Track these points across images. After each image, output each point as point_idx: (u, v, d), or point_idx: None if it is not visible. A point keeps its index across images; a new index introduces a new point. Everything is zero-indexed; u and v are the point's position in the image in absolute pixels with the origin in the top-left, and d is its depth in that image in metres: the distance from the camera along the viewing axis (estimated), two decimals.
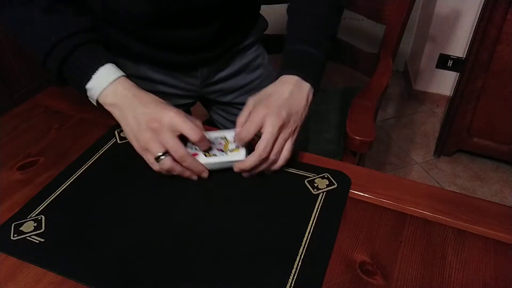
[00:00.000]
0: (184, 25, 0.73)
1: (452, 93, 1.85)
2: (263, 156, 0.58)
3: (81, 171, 0.63)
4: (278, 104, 0.60)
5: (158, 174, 0.59)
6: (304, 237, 0.53)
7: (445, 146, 1.82)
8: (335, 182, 0.61)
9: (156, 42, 0.76)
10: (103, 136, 0.69)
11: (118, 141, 0.68)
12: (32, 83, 1.98)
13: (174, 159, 0.58)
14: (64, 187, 0.60)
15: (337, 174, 0.62)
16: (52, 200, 0.58)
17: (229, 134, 0.64)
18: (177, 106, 0.86)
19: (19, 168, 0.64)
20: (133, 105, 0.60)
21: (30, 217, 0.56)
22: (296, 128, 0.62)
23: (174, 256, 0.51)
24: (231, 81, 0.89)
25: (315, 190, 0.60)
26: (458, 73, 1.92)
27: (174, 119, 0.57)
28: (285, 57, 0.67)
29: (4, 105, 1.85)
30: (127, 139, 0.68)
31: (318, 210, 0.57)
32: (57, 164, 0.65)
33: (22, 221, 0.55)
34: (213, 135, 0.64)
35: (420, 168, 1.82)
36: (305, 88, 0.64)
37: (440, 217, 0.56)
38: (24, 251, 0.51)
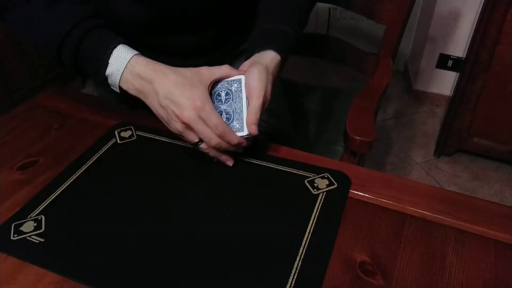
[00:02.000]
0: (182, 30, 0.73)
1: (452, 93, 1.85)
2: (263, 96, 0.61)
3: (81, 171, 0.63)
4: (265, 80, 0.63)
5: (158, 174, 0.59)
6: (304, 237, 0.53)
7: (445, 146, 1.82)
8: (335, 182, 0.61)
9: (154, 47, 0.76)
10: (103, 136, 0.69)
11: (118, 141, 0.68)
12: (32, 83, 1.98)
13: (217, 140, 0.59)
14: (64, 187, 0.60)
15: (337, 174, 0.62)
16: (52, 200, 0.58)
17: (234, 84, 0.64)
18: None
19: (19, 168, 0.64)
20: (154, 91, 0.59)
21: (30, 217, 0.56)
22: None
23: (174, 256, 0.51)
24: None
25: (315, 190, 0.60)
26: (458, 73, 1.92)
27: (198, 110, 0.57)
28: (258, 34, 0.68)
29: (4, 105, 1.85)
30: (127, 139, 0.69)
31: (318, 210, 0.57)
32: (57, 164, 0.65)
33: (22, 221, 0.55)
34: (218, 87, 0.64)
35: (420, 168, 1.82)
36: (276, 59, 0.66)
37: (440, 217, 0.56)
38: (24, 251, 0.51)
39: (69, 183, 0.61)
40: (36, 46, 0.65)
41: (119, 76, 0.61)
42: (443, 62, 2.02)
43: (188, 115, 0.57)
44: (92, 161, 0.65)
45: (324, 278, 0.49)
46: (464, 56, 1.89)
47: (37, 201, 0.58)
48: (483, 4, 1.47)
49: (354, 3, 1.04)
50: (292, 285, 0.48)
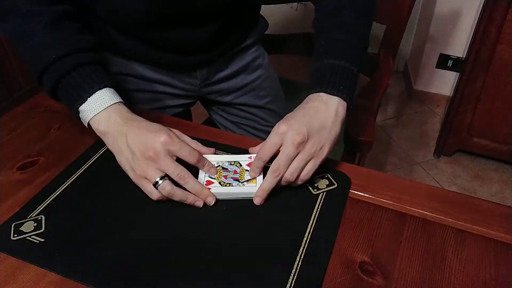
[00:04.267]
0: (183, 26, 0.73)
1: (452, 93, 1.85)
2: (276, 176, 0.55)
3: (81, 171, 0.63)
4: (299, 121, 0.56)
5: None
6: (304, 237, 0.53)
7: (445, 146, 1.82)
8: (335, 182, 0.61)
9: (155, 42, 0.76)
10: None
11: None
12: (32, 83, 1.98)
13: (174, 184, 0.55)
14: (64, 187, 0.60)
15: (337, 174, 0.62)
16: (52, 200, 0.58)
17: (243, 160, 0.61)
18: (177, 106, 0.87)
19: (19, 168, 0.64)
20: (125, 133, 0.58)
21: (30, 217, 0.56)
22: (323, 146, 0.57)
23: (174, 256, 0.51)
24: (231, 82, 0.89)
25: (315, 190, 0.60)
26: (458, 73, 1.92)
27: (167, 143, 0.56)
28: (311, 75, 0.62)
29: (4, 105, 1.85)
30: None
31: (318, 210, 0.57)
32: (57, 164, 0.65)
33: (22, 221, 0.55)
34: (226, 159, 0.61)
35: (420, 168, 1.82)
36: (333, 102, 0.58)
37: (440, 217, 0.56)
38: (24, 251, 0.51)
39: (69, 183, 0.61)
40: (23, 59, 0.64)
41: (92, 116, 0.59)
42: (443, 62, 2.02)
43: (159, 146, 0.55)
44: (92, 161, 0.65)
45: (324, 278, 0.49)
46: (464, 56, 1.89)
47: (37, 201, 0.58)
48: (483, 4, 1.47)
49: None
50: (292, 285, 0.48)
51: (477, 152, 1.79)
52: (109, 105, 0.59)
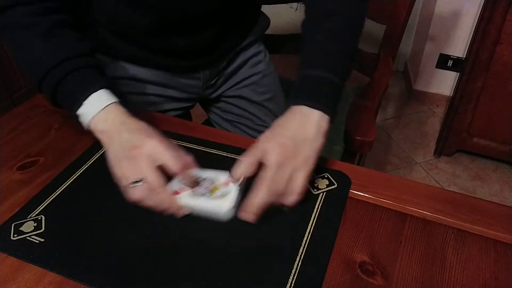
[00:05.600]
0: (184, 33, 0.73)
1: (452, 93, 1.85)
2: (271, 189, 0.52)
3: (81, 171, 0.63)
4: (282, 134, 0.56)
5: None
6: (304, 237, 0.53)
7: (445, 146, 1.82)
8: (335, 182, 0.61)
9: (155, 48, 0.76)
10: None
11: None
12: (32, 83, 1.98)
13: (149, 190, 0.54)
14: (64, 187, 0.60)
15: (337, 174, 0.62)
16: (52, 200, 0.58)
17: (222, 176, 0.58)
18: (178, 109, 0.87)
19: (19, 168, 0.64)
20: (120, 132, 0.58)
21: (30, 217, 0.56)
22: (308, 158, 0.55)
23: (174, 256, 0.51)
24: (231, 79, 0.89)
25: (315, 190, 0.60)
26: (458, 73, 1.92)
27: (155, 148, 0.55)
28: (295, 83, 0.61)
29: (4, 105, 1.85)
30: None
31: (318, 210, 0.57)
32: (57, 164, 0.65)
33: (22, 221, 0.55)
34: (205, 174, 0.58)
35: (420, 168, 1.82)
36: (314, 116, 0.57)
37: (440, 217, 0.56)
38: (24, 251, 0.51)
39: (69, 183, 0.61)
40: (23, 70, 0.65)
41: (90, 118, 0.59)
42: (443, 62, 2.02)
43: (146, 147, 0.55)
44: (92, 161, 0.65)
45: (324, 278, 0.49)
46: (464, 56, 1.89)
47: (37, 201, 0.58)
48: (483, 4, 1.47)
49: None
50: (292, 285, 0.48)
51: (477, 152, 1.79)
52: (106, 105, 0.59)
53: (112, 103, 0.60)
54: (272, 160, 0.53)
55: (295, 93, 0.60)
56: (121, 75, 0.79)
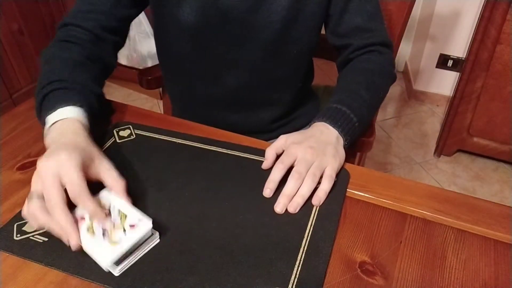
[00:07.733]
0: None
1: (452, 93, 1.85)
2: (297, 178, 0.58)
3: None
4: (309, 140, 0.62)
5: (157, 172, 0.58)
6: (306, 229, 0.54)
7: (445, 146, 1.82)
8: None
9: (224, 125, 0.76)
10: (102, 135, 0.69)
11: (117, 141, 0.68)
12: (32, 83, 1.98)
13: (42, 208, 0.49)
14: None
15: None
16: None
17: (135, 215, 0.51)
18: None
19: (19, 168, 0.64)
20: (53, 142, 0.56)
21: None
22: (335, 155, 0.61)
23: (178, 252, 0.51)
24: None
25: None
26: (458, 73, 1.92)
27: (60, 164, 0.50)
28: (322, 109, 0.69)
29: (4, 105, 1.85)
30: (126, 138, 0.69)
31: (318, 209, 0.57)
32: None
33: (24, 221, 0.55)
34: (122, 207, 0.52)
35: (420, 168, 1.82)
36: (334, 131, 0.65)
37: (440, 217, 0.56)
38: (28, 250, 0.51)
39: None
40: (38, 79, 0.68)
41: (51, 123, 0.59)
42: (443, 62, 2.02)
43: (52, 160, 0.51)
44: None
45: (324, 278, 0.49)
46: (464, 56, 1.89)
47: None
48: (483, 4, 1.47)
49: None
50: (297, 276, 0.48)
51: (477, 152, 1.79)
52: (65, 117, 0.59)
53: (73, 117, 0.59)
54: (302, 157, 0.60)
55: (318, 116, 0.67)
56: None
